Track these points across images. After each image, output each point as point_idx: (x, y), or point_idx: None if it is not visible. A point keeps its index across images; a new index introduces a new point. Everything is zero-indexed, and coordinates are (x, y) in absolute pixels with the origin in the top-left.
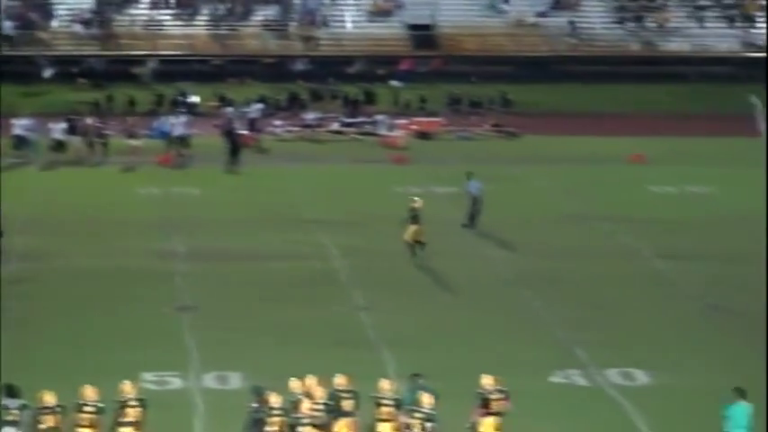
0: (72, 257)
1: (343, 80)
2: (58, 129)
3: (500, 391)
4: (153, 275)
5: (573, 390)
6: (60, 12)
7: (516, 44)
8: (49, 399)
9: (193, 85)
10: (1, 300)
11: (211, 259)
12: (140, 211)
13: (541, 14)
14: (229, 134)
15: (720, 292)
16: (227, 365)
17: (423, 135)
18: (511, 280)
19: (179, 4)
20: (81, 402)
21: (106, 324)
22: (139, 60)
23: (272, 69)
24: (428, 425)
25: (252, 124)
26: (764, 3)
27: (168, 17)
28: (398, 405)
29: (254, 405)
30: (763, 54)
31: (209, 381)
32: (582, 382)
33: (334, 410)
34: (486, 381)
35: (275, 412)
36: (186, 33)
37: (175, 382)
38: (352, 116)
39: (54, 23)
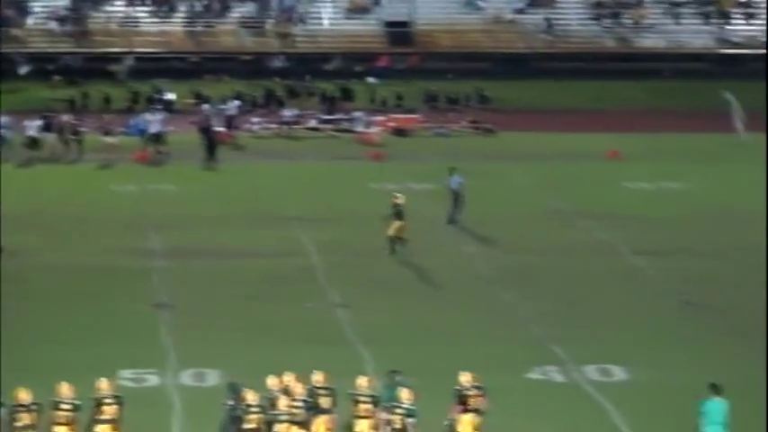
0: (48, 255)
1: (320, 77)
2: (33, 126)
3: (477, 388)
4: (130, 273)
5: (550, 386)
6: (36, 9)
7: (492, 41)
8: (25, 396)
9: (170, 83)
10: None
11: (188, 256)
12: (117, 208)
13: (519, 11)
14: (206, 131)
15: (696, 288)
16: (205, 363)
17: (399, 132)
18: (488, 276)
19: (155, 2)
20: (57, 400)
21: (83, 321)
22: (116, 58)
23: (250, 66)
24: (409, 420)
25: (229, 121)
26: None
27: (145, 14)
28: (376, 402)
29: (231, 402)
30: (738, 50)
31: (187, 378)
32: (559, 378)
33: (312, 408)
34: (464, 378)
35: (252, 409)
36: (162, 30)
37: (152, 380)
38: (329, 113)
39: (29, 21)
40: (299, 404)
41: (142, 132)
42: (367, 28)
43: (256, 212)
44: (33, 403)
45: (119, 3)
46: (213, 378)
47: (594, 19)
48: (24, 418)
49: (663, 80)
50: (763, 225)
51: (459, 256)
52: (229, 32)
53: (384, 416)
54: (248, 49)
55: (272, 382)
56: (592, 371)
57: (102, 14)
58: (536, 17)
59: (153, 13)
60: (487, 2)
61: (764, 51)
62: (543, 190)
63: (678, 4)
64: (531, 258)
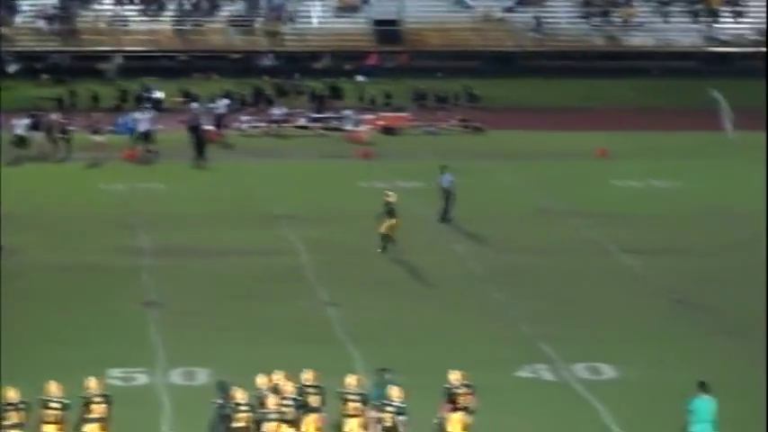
0: (37, 253)
1: (309, 76)
2: (21, 125)
3: (466, 387)
4: (119, 271)
5: (540, 384)
6: (24, 7)
7: (481, 39)
8: (12, 395)
9: (159, 81)
10: None
11: (177, 255)
12: (105, 206)
13: (508, 10)
14: (195, 130)
15: (686, 286)
16: (194, 361)
17: (388, 130)
18: (477, 274)
19: (144, 0)
20: (46, 399)
21: (71, 320)
22: (105, 56)
23: (239, 65)
24: (400, 418)
25: (218, 120)
26: None
27: (134, 12)
28: (365, 401)
29: (220, 401)
30: (727, 49)
31: (176, 377)
32: (549, 376)
33: (302, 406)
34: (454, 376)
35: (241, 408)
36: (151, 29)
37: (142, 379)
38: (319, 112)
39: (18, 19)
40: (289, 403)
41: (131, 131)
42: (356, 26)
43: (245, 211)
44: (21, 402)
45: (107, 1)
46: (202, 377)
47: (584, 17)
48: (13, 417)
49: (651, 78)
50: (753, 222)
51: (448, 255)
52: (218, 31)
53: (374, 414)
54: (237, 47)
55: (261, 380)
56: (581, 369)
57: (91, 13)
58: (525, 15)
59: (142, 12)
60: (477, 0)
61: (762, 50)
62: (532, 188)
63: (667, 3)
64: (520, 257)
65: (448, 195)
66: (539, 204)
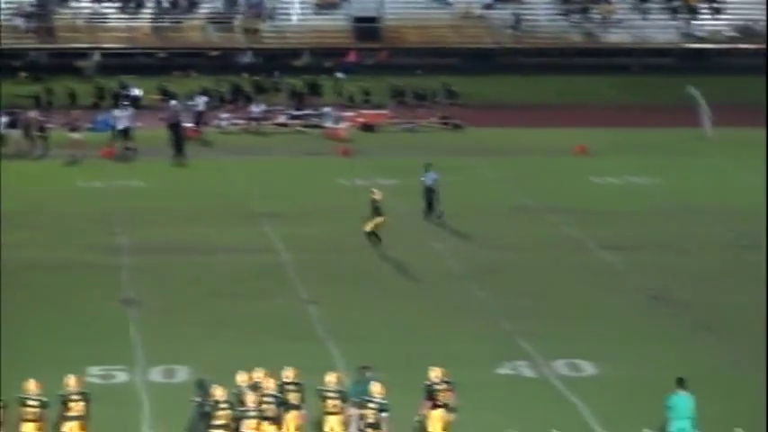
0: (14, 251)
1: (288, 73)
2: None
3: (446, 383)
4: (97, 269)
5: (520, 381)
6: (1, 5)
7: (460, 36)
8: None
9: (138, 79)
10: None
11: (157, 253)
12: (84, 204)
13: (487, 6)
14: (175, 127)
15: (664, 283)
16: (174, 359)
17: (368, 127)
18: (457, 271)
19: None
20: (24, 397)
21: (50, 318)
22: (83, 54)
23: (217, 62)
24: (382, 414)
25: (197, 117)
26: None
27: (112, 10)
28: (344, 398)
29: (199, 399)
30: (703, 45)
31: (156, 375)
32: (529, 373)
33: (282, 403)
34: (434, 373)
35: (221, 406)
36: (129, 26)
37: (121, 377)
38: (298, 109)
39: None
40: (269, 400)
41: (111, 128)
42: (335, 23)
43: (225, 208)
44: None
45: None
46: (182, 374)
47: (562, 14)
48: None
49: (630, 75)
50: (731, 219)
51: (428, 252)
52: (197, 28)
53: (353, 411)
54: (216, 44)
55: (241, 378)
56: (561, 366)
57: (69, 10)
58: (504, 12)
59: (120, 9)
60: None
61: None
62: (511, 185)
63: (645, 0)
64: (500, 253)
65: (432, 193)
66: (517, 201)
